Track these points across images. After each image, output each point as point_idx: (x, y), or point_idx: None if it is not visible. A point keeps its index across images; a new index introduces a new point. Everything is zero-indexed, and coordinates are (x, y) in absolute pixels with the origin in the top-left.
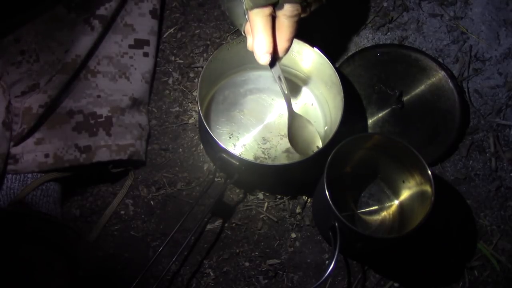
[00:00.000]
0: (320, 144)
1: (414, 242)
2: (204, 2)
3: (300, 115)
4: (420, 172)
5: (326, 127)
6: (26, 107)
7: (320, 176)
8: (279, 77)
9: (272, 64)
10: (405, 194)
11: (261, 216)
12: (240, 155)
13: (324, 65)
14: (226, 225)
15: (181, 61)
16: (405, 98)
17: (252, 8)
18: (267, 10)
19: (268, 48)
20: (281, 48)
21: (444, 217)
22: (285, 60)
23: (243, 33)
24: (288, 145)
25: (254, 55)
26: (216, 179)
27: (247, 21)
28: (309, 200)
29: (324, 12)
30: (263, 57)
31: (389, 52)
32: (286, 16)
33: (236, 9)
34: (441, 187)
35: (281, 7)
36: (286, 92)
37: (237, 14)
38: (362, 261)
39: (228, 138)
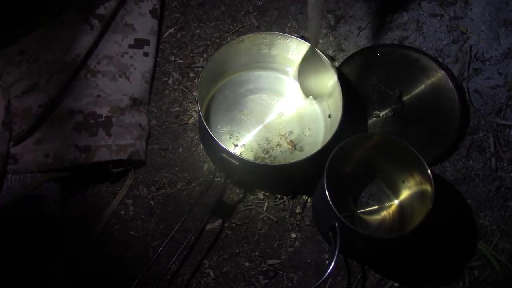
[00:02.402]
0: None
1: (414, 242)
2: (204, 2)
3: (320, 56)
4: (420, 172)
5: (326, 127)
6: (25, 107)
7: (320, 176)
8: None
9: None
10: (405, 194)
11: (261, 216)
12: (240, 155)
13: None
14: (226, 225)
15: (181, 61)
16: (405, 98)
17: None
18: None
19: None
20: None
21: (444, 217)
22: (285, 60)
23: None
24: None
25: None
26: (216, 179)
27: None
28: (309, 200)
29: (324, 13)
30: None
31: (389, 52)
32: None
33: None
34: (441, 187)
35: None
36: (314, 26)
37: None
38: (362, 261)
39: (228, 138)
